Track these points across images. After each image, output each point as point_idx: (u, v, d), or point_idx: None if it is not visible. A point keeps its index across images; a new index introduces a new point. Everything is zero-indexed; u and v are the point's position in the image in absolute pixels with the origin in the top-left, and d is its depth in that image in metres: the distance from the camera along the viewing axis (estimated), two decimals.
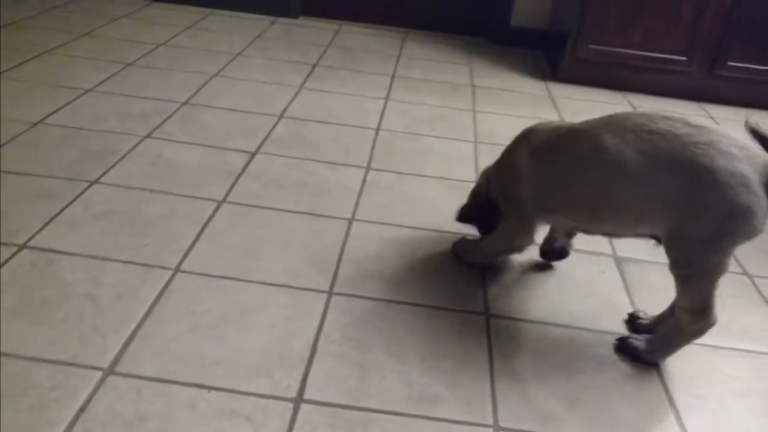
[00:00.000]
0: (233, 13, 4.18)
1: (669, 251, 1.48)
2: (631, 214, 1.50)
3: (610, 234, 1.62)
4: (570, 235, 1.89)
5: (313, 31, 4.04)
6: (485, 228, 1.90)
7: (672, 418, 1.46)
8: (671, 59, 3.51)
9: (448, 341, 1.60)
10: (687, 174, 1.39)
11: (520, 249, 1.82)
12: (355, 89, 3.14)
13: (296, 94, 2.99)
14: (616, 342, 1.66)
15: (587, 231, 1.68)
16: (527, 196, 1.67)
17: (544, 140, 1.66)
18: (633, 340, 1.63)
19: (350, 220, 2.05)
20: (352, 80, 3.26)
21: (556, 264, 1.95)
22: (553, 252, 1.91)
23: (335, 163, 2.39)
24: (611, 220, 1.55)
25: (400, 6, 4.25)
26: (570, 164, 1.56)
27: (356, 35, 4.06)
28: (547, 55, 4.01)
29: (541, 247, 1.94)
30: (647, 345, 1.61)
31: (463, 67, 3.67)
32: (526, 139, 1.71)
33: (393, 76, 3.38)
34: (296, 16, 4.23)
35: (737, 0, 3.33)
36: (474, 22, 4.26)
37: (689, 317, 1.51)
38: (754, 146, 1.41)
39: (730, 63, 3.49)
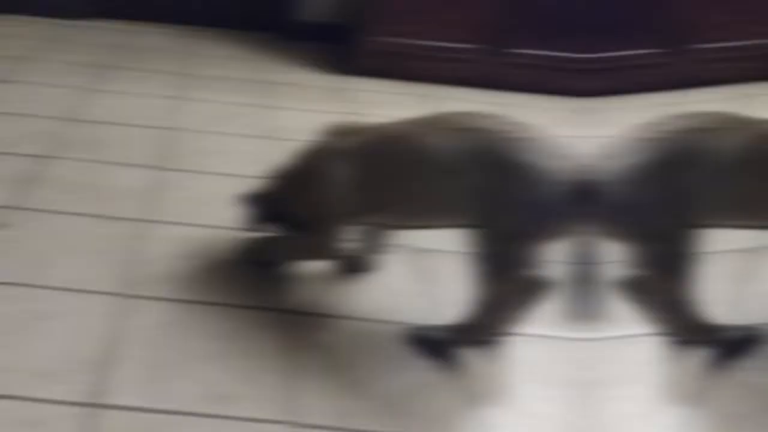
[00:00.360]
0: (17, 17, 3.92)
1: (473, 244, 1.51)
2: (452, 209, 1.53)
3: (426, 228, 1.65)
4: (372, 249, 1.86)
5: (103, 32, 3.84)
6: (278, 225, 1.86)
7: (470, 409, 1.51)
8: (459, 48, 3.50)
9: (244, 339, 1.61)
10: (497, 169, 1.45)
11: (321, 259, 1.80)
12: (145, 89, 3.07)
13: (85, 97, 2.89)
14: (408, 333, 1.63)
15: (400, 227, 1.70)
16: (335, 205, 1.64)
17: (359, 144, 1.63)
18: (426, 331, 1.62)
19: (142, 222, 2.03)
20: (143, 80, 3.18)
21: None
22: (357, 269, 1.88)
23: (126, 165, 2.35)
24: (431, 216, 1.58)
25: (192, 4, 4.19)
26: (394, 166, 1.56)
27: (147, 35, 3.92)
28: (339, 49, 3.92)
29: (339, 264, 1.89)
30: (439, 336, 1.60)
31: (255, 64, 3.66)
32: (330, 144, 1.67)
33: (184, 75, 3.34)
34: (85, 18, 4.06)
35: None
36: (266, 18, 4.24)
37: (481, 311, 1.54)
38: (570, 148, 1.49)
39: (515, 50, 3.51)
